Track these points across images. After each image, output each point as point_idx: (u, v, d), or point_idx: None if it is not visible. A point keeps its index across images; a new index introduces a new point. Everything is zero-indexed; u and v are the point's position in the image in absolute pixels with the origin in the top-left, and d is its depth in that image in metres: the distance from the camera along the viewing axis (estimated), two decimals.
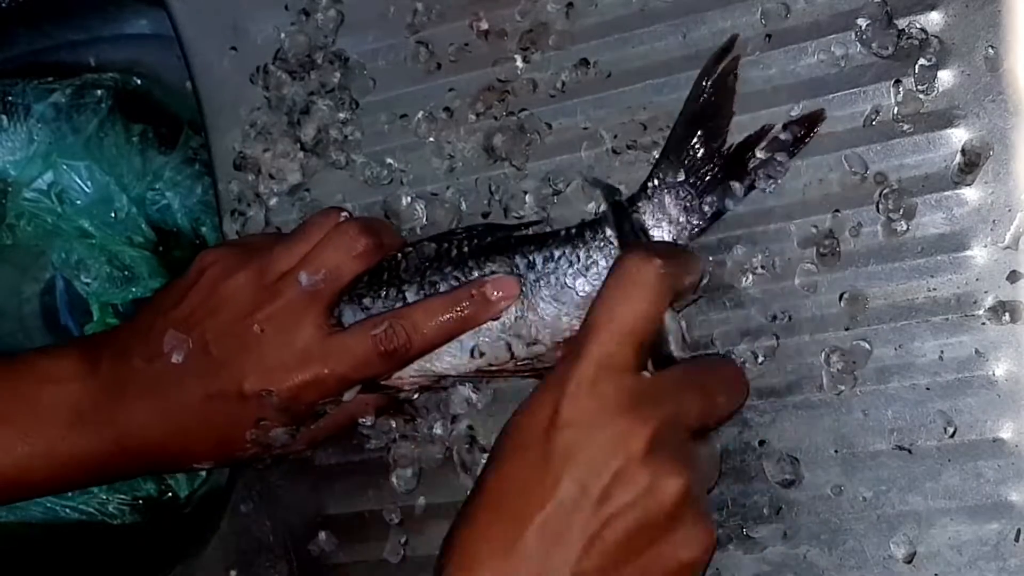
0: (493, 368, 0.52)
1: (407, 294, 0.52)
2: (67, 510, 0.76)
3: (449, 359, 0.52)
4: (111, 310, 0.79)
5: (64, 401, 0.53)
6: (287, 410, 0.52)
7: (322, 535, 0.59)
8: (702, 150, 0.50)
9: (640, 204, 0.50)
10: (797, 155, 0.49)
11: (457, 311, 0.51)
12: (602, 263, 0.50)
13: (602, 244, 0.50)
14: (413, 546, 0.57)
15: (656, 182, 0.50)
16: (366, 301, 0.53)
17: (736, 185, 0.49)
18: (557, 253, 0.51)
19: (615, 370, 0.43)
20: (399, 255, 0.54)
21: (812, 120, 0.49)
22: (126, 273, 0.77)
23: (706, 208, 0.50)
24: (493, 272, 0.51)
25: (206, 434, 0.53)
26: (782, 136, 0.49)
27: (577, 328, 0.48)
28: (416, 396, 0.55)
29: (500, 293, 0.50)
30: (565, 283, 0.50)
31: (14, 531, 0.77)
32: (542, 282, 0.51)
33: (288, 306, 0.52)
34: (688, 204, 0.50)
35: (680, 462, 0.42)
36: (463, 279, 0.52)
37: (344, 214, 0.54)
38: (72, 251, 0.77)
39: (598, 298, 0.44)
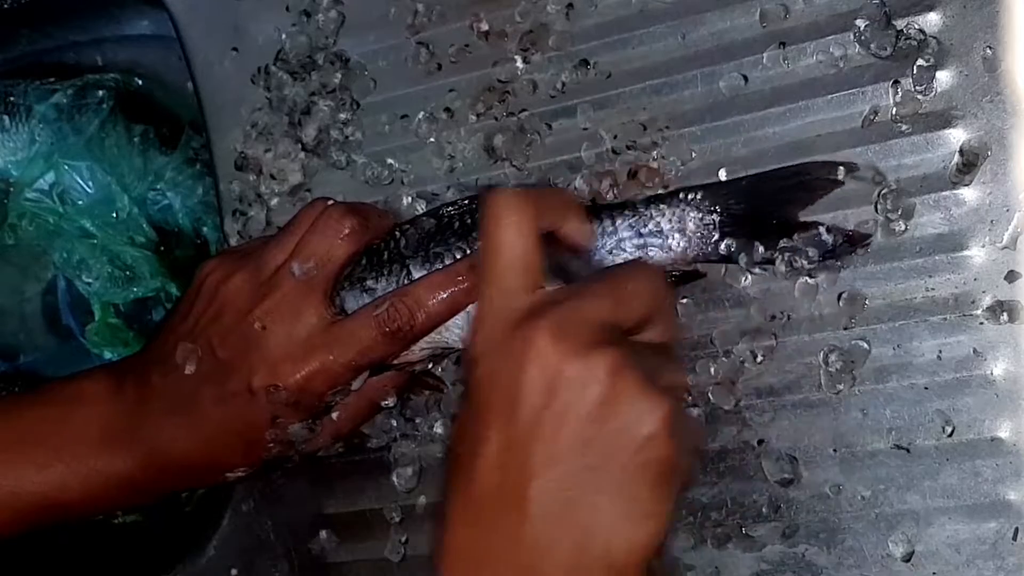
0: None
1: (412, 271, 0.52)
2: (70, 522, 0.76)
3: (458, 331, 0.51)
4: (112, 310, 0.79)
5: (94, 421, 0.54)
6: (298, 404, 0.51)
7: (323, 534, 0.59)
8: (753, 205, 0.49)
9: (666, 203, 0.50)
10: (826, 266, 0.49)
11: (458, 284, 0.50)
12: (597, 227, 0.49)
13: (601, 206, 0.50)
14: (413, 545, 0.57)
15: (693, 195, 0.50)
16: (369, 283, 0.53)
17: (759, 248, 0.49)
18: None
19: (506, 296, 0.43)
20: (397, 233, 0.54)
21: (857, 240, 0.48)
22: (127, 273, 0.77)
23: (721, 247, 0.49)
24: None
25: (228, 440, 0.53)
26: (825, 236, 0.48)
27: None
28: (431, 365, 0.54)
29: None
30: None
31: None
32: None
33: (285, 299, 0.52)
34: (706, 232, 0.49)
35: (594, 344, 0.40)
36: (468, 250, 0.51)
37: (330, 201, 0.54)
38: (74, 251, 0.77)
39: (479, 246, 0.45)
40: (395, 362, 0.52)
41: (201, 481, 0.57)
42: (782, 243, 0.48)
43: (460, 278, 0.50)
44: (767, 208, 0.49)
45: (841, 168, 0.49)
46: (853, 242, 0.48)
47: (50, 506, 0.54)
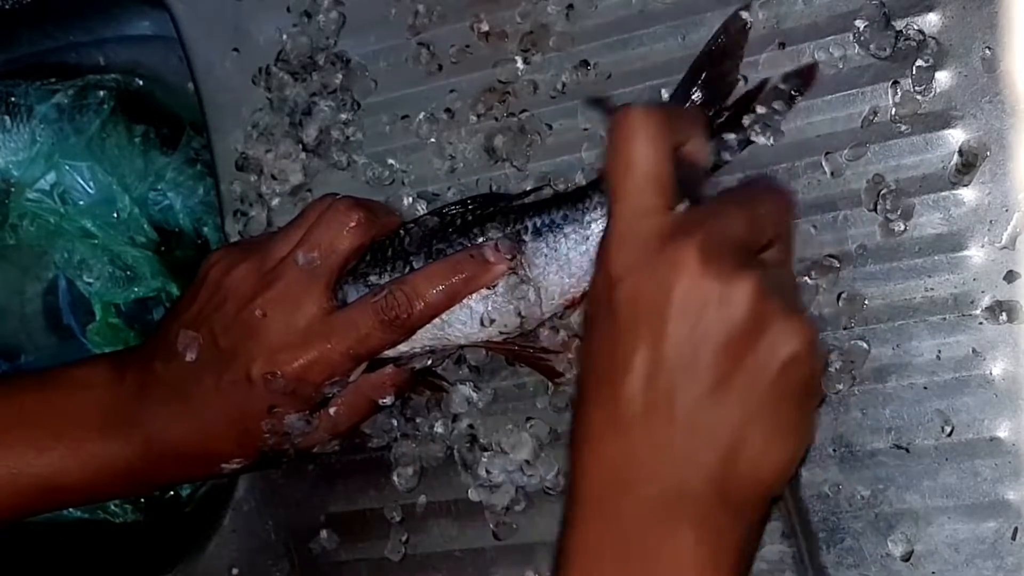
0: (506, 335, 0.52)
1: (414, 266, 0.52)
2: (69, 508, 0.76)
3: (460, 327, 0.52)
4: (113, 310, 0.79)
5: (94, 406, 0.54)
6: (295, 393, 0.51)
7: (323, 533, 0.59)
8: (701, 103, 0.50)
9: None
10: (795, 105, 0.50)
11: (457, 274, 0.51)
12: (600, 224, 0.50)
13: (601, 203, 0.50)
14: (414, 544, 0.57)
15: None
16: (372, 278, 0.53)
17: (731, 137, 0.50)
18: (558, 216, 0.51)
19: (645, 214, 0.43)
20: (401, 231, 0.54)
21: (809, 72, 0.50)
22: (128, 273, 0.77)
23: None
24: (498, 237, 0.51)
25: (224, 429, 0.53)
26: (781, 86, 0.50)
27: (583, 290, 0.49)
28: (430, 363, 0.54)
29: (499, 254, 0.50)
30: (568, 244, 0.50)
31: (16, 529, 0.77)
32: (545, 245, 0.51)
33: (288, 288, 0.52)
34: (696, 175, 0.49)
35: (740, 263, 0.42)
36: (469, 245, 0.52)
37: (329, 198, 0.55)
38: (74, 251, 0.77)
39: (608, 162, 0.44)
40: (394, 356, 0.53)
41: (197, 471, 0.57)
42: (747, 120, 0.50)
43: (460, 268, 0.51)
44: (712, 82, 0.50)
45: (741, 14, 0.50)
46: (804, 76, 0.50)
47: (49, 489, 0.54)
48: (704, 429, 0.41)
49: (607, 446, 0.42)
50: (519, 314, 0.51)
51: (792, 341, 0.42)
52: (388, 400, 0.54)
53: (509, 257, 0.50)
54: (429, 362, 0.54)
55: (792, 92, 0.50)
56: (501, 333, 0.52)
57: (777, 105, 0.50)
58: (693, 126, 0.47)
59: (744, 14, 0.50)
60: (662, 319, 0.41)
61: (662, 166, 0.43)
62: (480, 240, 0.51)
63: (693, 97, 0.50)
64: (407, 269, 0.52)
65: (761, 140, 0.50)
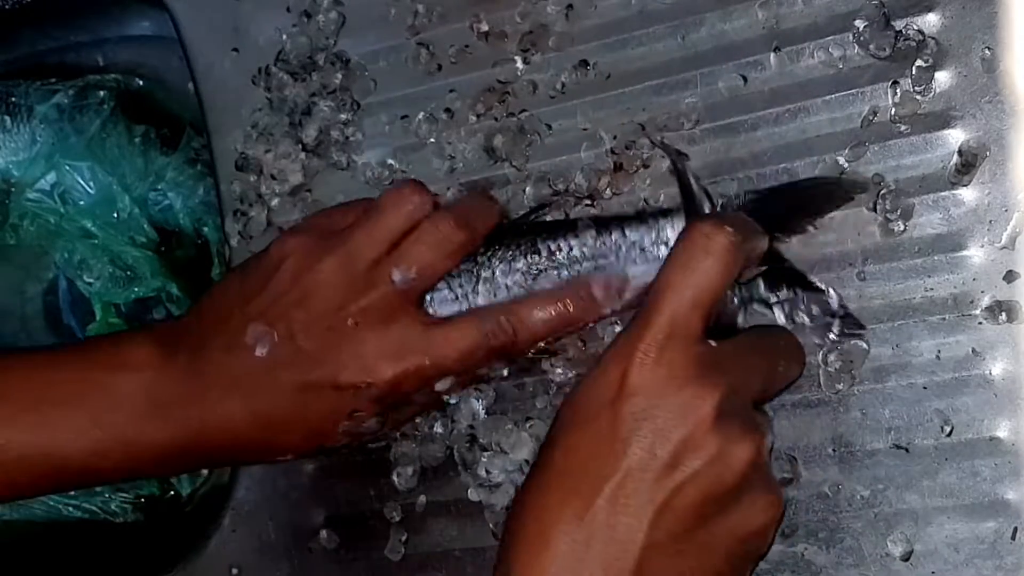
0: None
1: (496, 274, 0.52)
2: (70, 508, 0.76)
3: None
4: (113, 310, 0.79)
5: (139, 389, 0.51)
6: (382, 400, 0.51)
7: (323, 533, 0.59)
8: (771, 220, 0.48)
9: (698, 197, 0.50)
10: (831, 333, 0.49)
11: (564, 310, 0.50)
12: (665, 251, 0.49)
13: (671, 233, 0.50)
14: (414, 544, 0.57)
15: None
16: (457, 286, 0.52)
17: (761, 286, 0.48)
18: (636, 237, 0.50)
19: (683, 338, 0.42)
20: (495, 242, 0.53)
21: (855, 324, 0.49)
22: (128, 273, 0.77)
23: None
24: (595, 261, 0.51)
25: (296, 426, 0.51)
26: (832, 303, 0.48)
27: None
28: (507, 373, 0.54)
29: (606, 293, 0.50)
30: (637, 268, 0.50)
31: (16, 529, 0.77)
32: (618, 257, 0.50)
33: (382, 300, 0.50)
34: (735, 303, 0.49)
35: (749, 428, 0.42)
36: (567, 272, 0.51)
37: (416, 198, 0.51)
38: (75, 251, 0.77)
39: (667, 265, 0.44)
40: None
41: (247, 459, 0.55)
42: (784, 292, 0.48)
43: (567, 304, 0.50)
44: (783, 222, 0.49)
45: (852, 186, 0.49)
46: (853, 323, 0.48)
47: (84, 472, 0.52)
48: (650, 572, 0.41)
49: (559, 548, 0.41)
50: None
51: (763, 516, 0.43)
52: (453, 399, 0.54)
53: (616, 296, 0.50)
54: (506, 372, 0.53)
55: (831, 315, 0.48)
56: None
57: (815, 309, 0.48)
58: (758, 255, 0.46)
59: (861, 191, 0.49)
60: (656, 454, 0.41)
61: (718, 295, 0.43)
62: (577, 267, 0.51)
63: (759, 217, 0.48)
64: (498, 283, 0.52)
65: (770, 315, 0.49)
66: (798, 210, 0.49)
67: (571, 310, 0.50)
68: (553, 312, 0.50)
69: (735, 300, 0.47)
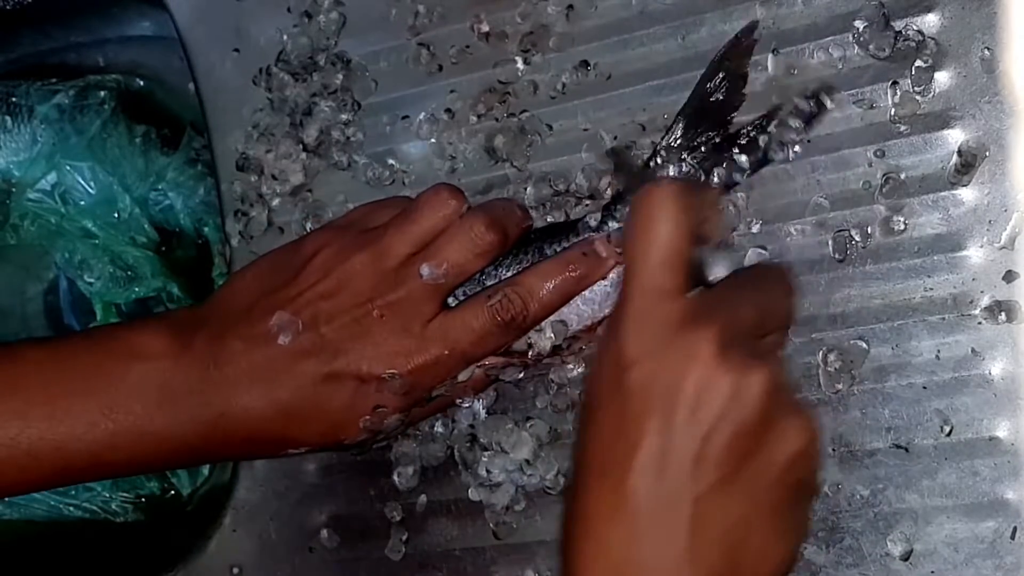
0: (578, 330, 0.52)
1: (517, 265, 0.52)
2: (70, 508, 0.76)
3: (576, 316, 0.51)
4: (114, 310, 0.79)
5: (153, 379, 0.50)
6: (407, 394, 0.51)
7: (324, 533, 0.59)
8: (711, 124, 0.50)
9: (645, 172, 0.50)
10: (812, 127, 0.49)
11: (570, 271, 0.50)
12: None
13: None
14: (414, 544, 0.57)
15: (663, 154, 0.50)
16: (480, 276, 0.52)
17: (743, 159, 0.49)
18: None
19: (662, 298, 0.42)
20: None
21: (823, 92, 0.49)
22: (129, 273, 0.77)
23: (713, 181, 0.49)
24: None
25: (316, 418, 0.51)
26: (800, 104, 0.49)
27: None
28: (521, 375, 0.54)
29: (611, 247, 0.50)
30: None
31: (17, 529, 0.77)
32: None
33: (409, 296, 0.50)
34: (693, 177, 0.49)
35: (755, 359, 0.41)
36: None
37: (453, 202, 0.51)
38: (75, 251, 0.77)
39: (625, 238, 0.44)
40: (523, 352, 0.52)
41: (261, 453, 0.55)
42: (761, 141, 0.49)
43: (572, 266, 0.50)
44: (721, 103, 0.50)
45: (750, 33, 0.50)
46: (819, 98, 0.49)
47: (96, 464, 0.51)
48: (709, 526, 0.40)
49: (610, 537, 0.41)
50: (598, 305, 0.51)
51: (799, 438, 0.41)
52: (467, 403, 0.54)
53: (619, 250, 0.49)
54: (521, 375, 0.54)
55: (811, 111, 0.49)
56: (580, 327, 0.52)
57: (793, 122, 0.49)
58: (712, 205, 0.47)
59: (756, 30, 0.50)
60: (674, 409, 0.41)
61: (682, 249, 0.43)
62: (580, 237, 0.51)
63: (702, 123, 0.50)
64: (511, 266, 0.52)
65: (779, 157, 0.49)
66: (718, 85, 0.50)
67: (578, 271, 0.50)
68: (560, 277, 0.50)
69: (710, 259, 0.47)
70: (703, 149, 0.50)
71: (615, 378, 0.42)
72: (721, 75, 0.50)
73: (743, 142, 0.50)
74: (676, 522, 0.40)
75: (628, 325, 0.42)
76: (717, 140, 0.50)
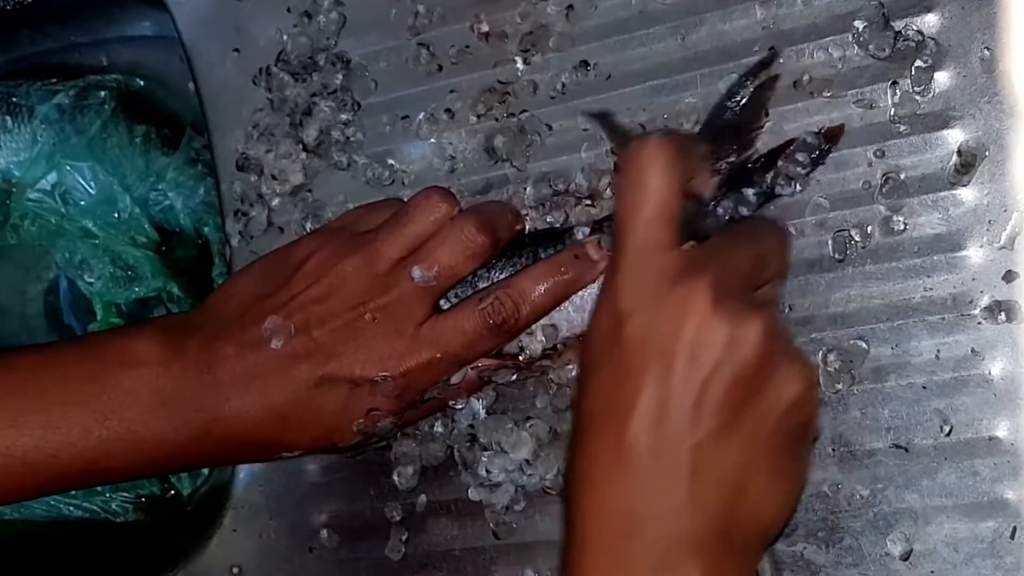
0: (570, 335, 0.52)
1: (509, 268, 0.52)
2: (70, 508, 0.76)
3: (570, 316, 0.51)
4: (114, 310, 0.79)
5: (146, 386, 0.50)
6: (400, 396, 0.51)
7: (324, 533, 0.59)
8: (722, 156, 0.49)
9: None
10: (819, 165, 0.49)
11: (561, 274, 0.50)
12: None
13: None
14: (414, 544, 0.57)
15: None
16: (472, 279, 0.52)
17: (748, 192, 0.49)
18: None
19: (656, 250, 0.42)
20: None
21: (837, 130, 0.49)
22: (129, 273, 0.77)
23: (720, 212, 0.49)
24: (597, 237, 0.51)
25: (310, 422, 0.51)
26: (809, 140, 0.49)
27: None
28: (514, 377, 0.54)
29: (602, 251, 0.50)
30: None
31: (17, 529, 0.77)
32: None
33: (401, 299, 0.50)
34: (699, 210, 0.49)
35: (751, 306, 0.42)
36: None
37: (444, 206, 0.52)
38: (76, 251, 0.77)
39: (617, 196, 0.44)
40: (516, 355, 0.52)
41: (254, 457, 0.55)
42: (768, 176, 0.49)
43: (563, 269, 0.50)
44: (734, 136, 0.50)
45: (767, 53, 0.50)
46: (830, 137, 0.49)
47: (92, 471, 0.51)
48: (709, 473, 0.41)
49: (611, 488, 0.42)
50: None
51: (796, 384, 0.42)
52: (459, 405, 0.54)
53: (611, 253, 0.49)
54: (513, 377, 0.54)
55: (820, 148, 0.49)
56: (570, 333, 0.52)
57: (800, 157, 0.49)
58: (702, 159, 0.47)
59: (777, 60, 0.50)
60: (672, 359, 0.41)
61: (674, 202, 0.43)
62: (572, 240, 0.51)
63: (715, 144, 0.49)
64: (503, 269, 0.52)
65: (786, 192, 0.49)
66: (739, 108, 0.50)
67: (569, 273, 0.50)
68: (551, 280, 0.50)
69: (714, 211, 0.48)
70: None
71: (612, 331, 0.42)
72: (741, 96, 0.50)
73: (750, 176, 0.50)
74: (676, 470, 0.41)
75: (623, 279, 0.42)
76: (730, 170, 0.49)
